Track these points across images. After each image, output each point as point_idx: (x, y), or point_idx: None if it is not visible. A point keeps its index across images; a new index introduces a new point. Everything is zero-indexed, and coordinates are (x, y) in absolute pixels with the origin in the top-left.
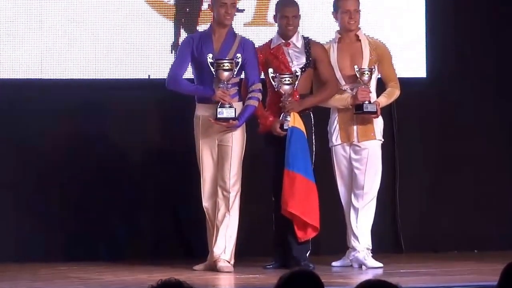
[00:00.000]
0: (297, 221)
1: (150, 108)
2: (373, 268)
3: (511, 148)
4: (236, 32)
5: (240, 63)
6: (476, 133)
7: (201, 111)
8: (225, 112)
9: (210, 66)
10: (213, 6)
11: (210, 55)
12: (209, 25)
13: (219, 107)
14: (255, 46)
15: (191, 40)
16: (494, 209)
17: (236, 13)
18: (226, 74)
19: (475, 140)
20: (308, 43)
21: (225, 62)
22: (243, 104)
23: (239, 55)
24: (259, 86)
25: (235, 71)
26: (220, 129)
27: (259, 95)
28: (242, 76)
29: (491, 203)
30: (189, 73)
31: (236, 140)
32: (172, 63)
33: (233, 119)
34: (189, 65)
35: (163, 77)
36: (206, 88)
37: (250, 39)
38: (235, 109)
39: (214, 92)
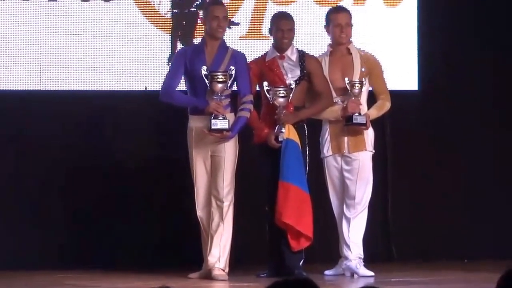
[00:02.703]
0: (291, 231)
1: (147, 119)
2: (365, 276)
3: (502, 160)
4: (227, 45)
5: (233, 75)
6: (467, 145)
7: (194, 123)
8: (219, 124)
9: (204, 78)
10: (205, 19)
11: (205, 67)
12: (201, 38)
13: (213, 119)
14: (250, 59)
15: (184, 53)
16: (483, 219)
17: (231, 27)
18: (220, 86)
19: (465, 151)
20: (302, 56)
21: (219, 74)
22: (235, 115)
23: (232, 67)
24: (250, 97)
25: (228, 83)
26: (213, 140)
27: (251, 107)
28: (234, 88)
29: (481, 214)
30: (182, 85)
31: (229, 151)
32: (165, 76)
33: (227, 130)
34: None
35: (160, 89)
36: (200, 100)
37: (242, 52)
38: (228, 120)
39: (207, 104)
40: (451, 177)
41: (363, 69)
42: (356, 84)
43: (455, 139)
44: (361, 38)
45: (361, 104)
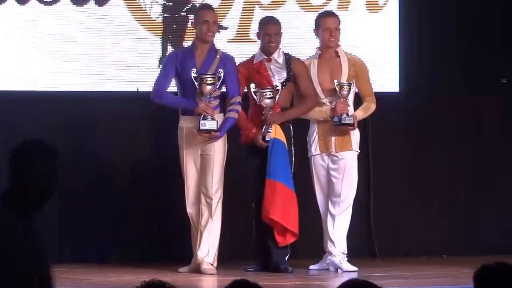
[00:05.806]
0: (277, 227)
1: (138, 119)
2: (349, 271)
3: (479, 161)
4: (217, 48)
5: (222, 78)
6: (445, 146)
7: (185, 123)
8: (208, 124)
9: (194, 80)
10: (195, 24)
11: (194, 70)
12: (191, 42)
13: (202, 119)
14: (238, 61)
15: (175, 56)
16: (461, 217)
17: (220, 31)
18: (208, 88)
19: (444, 152)
20: (288, 59)
21: (208, 77)
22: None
23: (221, 70)
24: (238, 98)
25: (217, 85)
26: (202, 140)
27: (239, 107)
28: (223, 89)
29: (459, 212)
30: (172, 87)
31: (218, 150)
32: (156, 78)
33: (215, 130)
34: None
35: (151, 90)
36: (190, 101)
37: (231, 55)
38: (217, 121)
39: (197, 105)
40: (431, 176)
41: (350, 72)
42: (345, 86)
43: (435, 139)
44: (344, 42)
45: (348, 105)
